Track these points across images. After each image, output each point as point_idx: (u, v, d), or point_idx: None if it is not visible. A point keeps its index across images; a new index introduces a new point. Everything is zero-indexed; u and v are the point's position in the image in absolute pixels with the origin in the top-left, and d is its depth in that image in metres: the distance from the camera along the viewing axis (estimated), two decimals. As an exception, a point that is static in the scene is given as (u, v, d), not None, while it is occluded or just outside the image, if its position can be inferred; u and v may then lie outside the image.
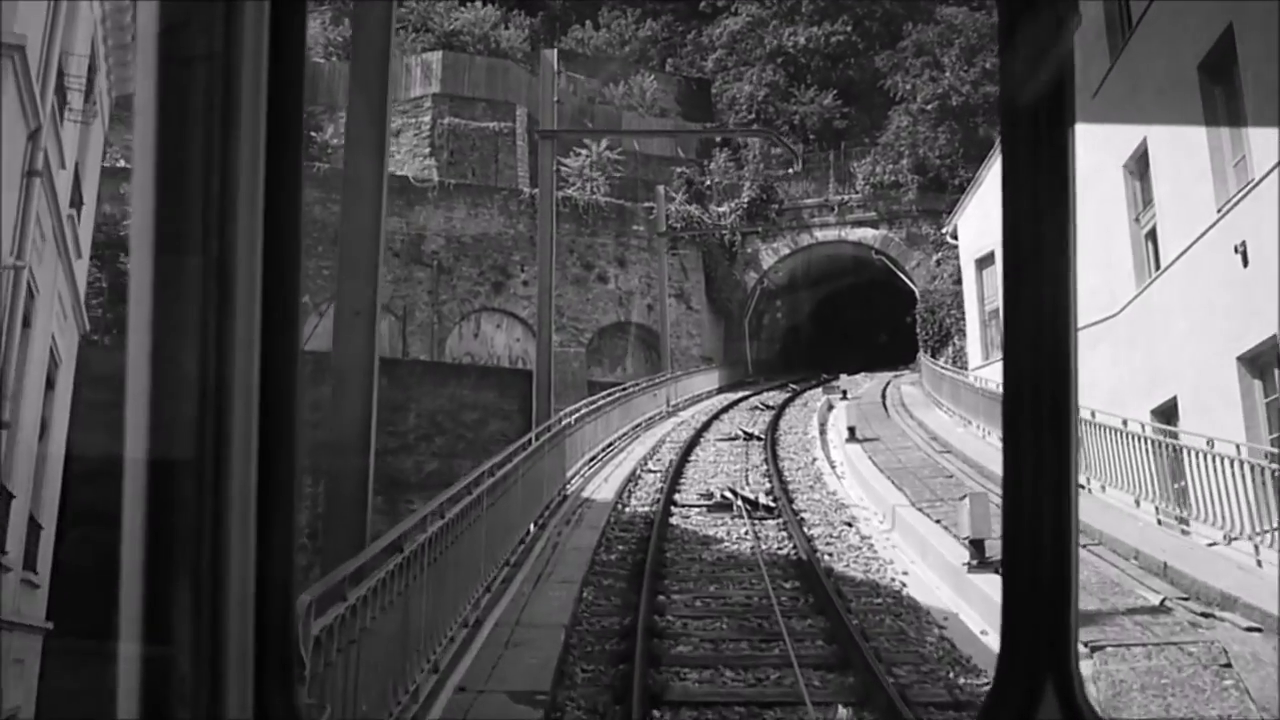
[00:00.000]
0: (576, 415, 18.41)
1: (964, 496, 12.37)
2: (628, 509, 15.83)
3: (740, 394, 35.79)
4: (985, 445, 20.87)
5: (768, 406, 31.09)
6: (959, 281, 37.17)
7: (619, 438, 23.33)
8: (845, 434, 22.90)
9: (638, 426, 25.69)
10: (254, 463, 1.55)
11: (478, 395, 29.04)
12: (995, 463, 18.44)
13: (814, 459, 21.20)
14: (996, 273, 26.37)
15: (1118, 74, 19.78)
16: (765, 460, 20.53)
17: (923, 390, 33.06)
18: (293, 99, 1.61)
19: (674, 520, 14.96)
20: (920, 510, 14.97)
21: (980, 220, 26.57)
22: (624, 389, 24.52)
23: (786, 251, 42.77)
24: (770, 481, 17.93)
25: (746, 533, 13.99)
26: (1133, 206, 20.48)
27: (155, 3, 1.61)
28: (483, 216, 38.16)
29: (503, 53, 45.89)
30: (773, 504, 15.63)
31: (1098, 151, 23.37)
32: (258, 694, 1.54)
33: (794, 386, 37.48)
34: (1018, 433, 1.73)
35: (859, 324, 43.79)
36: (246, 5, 1.55)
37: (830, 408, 31.52)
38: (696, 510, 15.67)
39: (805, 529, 14.20)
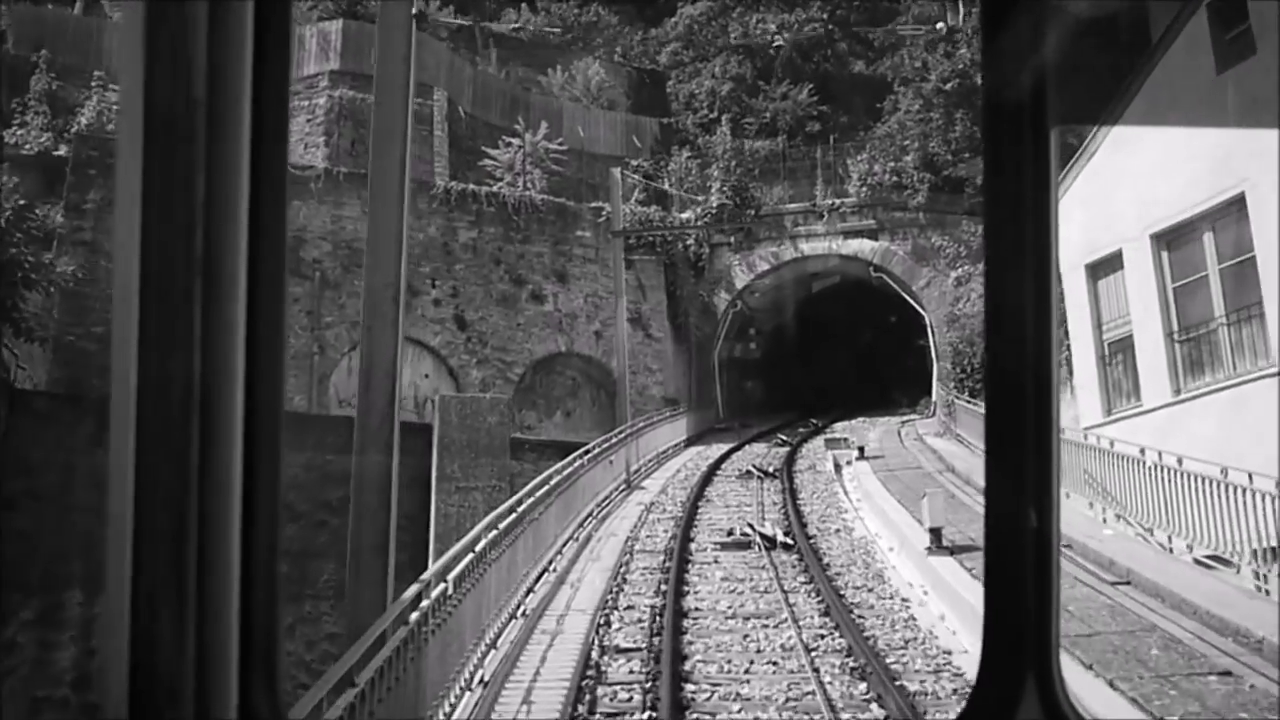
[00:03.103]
0: (475, 552, 8.33)
1: None
2: None
3: (718, 448, 25.99)
4: (1213, 582, 11.41)
5: (764, 472, 21.33)
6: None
7: (557, 551, 13.34)
8: (925, 537, 13.37)
9: (586, 520, 15.72)
10: (239, 463, 1.48)
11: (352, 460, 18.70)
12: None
13: (902, 599, 11.40)
14: (1124, 283, 16.96)
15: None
16: (827, 613, 10.67)
17: (962, 446, 23.58)
18: (277, 98, 1.54)
19: None
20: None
21: (1095, 205, 17.21)
22: (568, 467, 14.45)
23: (765, 267, 33.11)
24: (881, 699, 8.08)
25: None
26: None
27: (141, 3, 1.51)
28: (382, 216, 27.86)
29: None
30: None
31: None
32: (242, 693, 1.48)
33: (783, 437, 27.82)
34: (1001, 437, 1.72)
35: (852, 357, 34.30)
36: (231, 5, 1.49)
37: (838, 467, 22.36)
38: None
39: None
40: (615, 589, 11.84)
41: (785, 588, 11.78)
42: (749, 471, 21.46)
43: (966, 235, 30.15)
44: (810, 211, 33.15)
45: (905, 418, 31.06)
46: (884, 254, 32.23)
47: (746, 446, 26.55)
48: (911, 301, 31.90)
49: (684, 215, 33.73)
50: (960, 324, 27.74)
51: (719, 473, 21.83)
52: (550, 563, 12.64)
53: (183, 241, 1.44)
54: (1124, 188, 16.51)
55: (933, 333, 31.21)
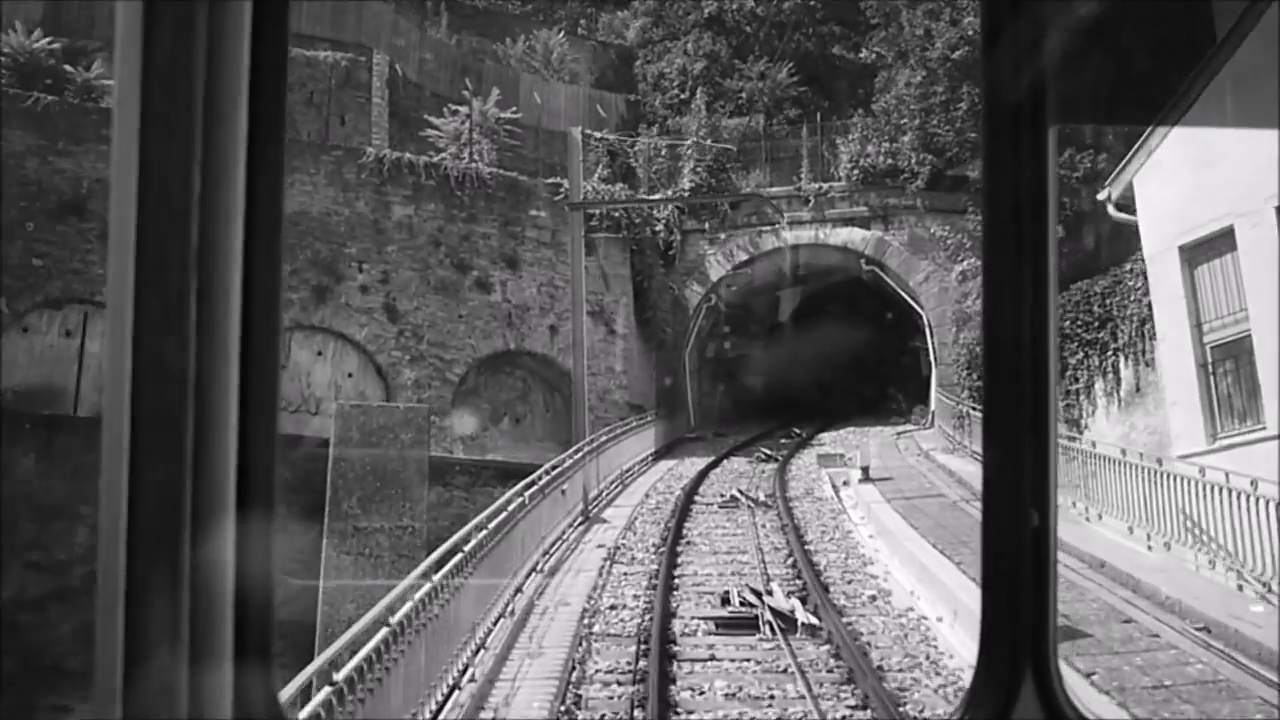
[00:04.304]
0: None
1: None
2: None
3: (692, 463, 21.61)
4: None
5: (754, 500, 17.00)
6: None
7: (479, 646, 8.81)
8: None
9: (529, 577, 11.19)
10: (233, 456, 1.43)
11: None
12: None
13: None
14: (1234, 269, 12.82)
15: None
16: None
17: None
18: (274, 95, 1.52)
19: None
20: None
21: (1191, 174, 13.04)
22: (501, 516, 9.80)
23: (743, 257, 28.77)
24: None
25: None
26: None
27: (140, 2, 1.44)
28: (301, 187, 23.14)
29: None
30: None
31: None
32: (237, 690, 1.42)
33: (766, 450, 23.53)
34: (998, 437, 1.71)
35: (840, 358, 30.08)
36: (228, 4, 1.46)
37: (835, 489, 18.47)
38: None
39: None
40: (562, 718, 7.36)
41: (829, 717, 7.38)
42: (734, 499, 17.08)
43: (971, 225, 26.01)
44: (795, 196, 28.86)
45: (900, 428, 26.93)
46: (877, 244, 28.03)
47: (725, 462, 22.19)
48: (907, 298, 27.75)
49: (654, 197, 29.31)
50: (973, 323, 23.59)
51: (698, 498, 17.42)
52: (467, 667, 8.12)
53: (178, 237, 1.38)
54: (1233, 147, 12.35)
55: (931, 333, 27.09)
